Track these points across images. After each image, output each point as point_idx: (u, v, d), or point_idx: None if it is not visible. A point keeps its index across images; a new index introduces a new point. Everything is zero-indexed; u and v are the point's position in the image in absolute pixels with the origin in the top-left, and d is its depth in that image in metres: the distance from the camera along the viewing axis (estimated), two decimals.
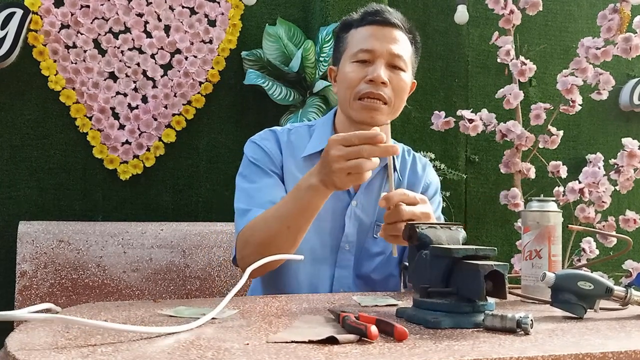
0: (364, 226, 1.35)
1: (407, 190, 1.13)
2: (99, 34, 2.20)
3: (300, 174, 1.32)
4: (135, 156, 2.23)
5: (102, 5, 2.20)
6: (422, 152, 2.29)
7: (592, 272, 1.15)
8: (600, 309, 0.95)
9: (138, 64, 2.23)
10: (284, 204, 1.18)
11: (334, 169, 1.03)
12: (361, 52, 1.29)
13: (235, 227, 1.30)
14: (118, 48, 2.22)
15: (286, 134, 1.39)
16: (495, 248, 0.84)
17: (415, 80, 1.39)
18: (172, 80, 2.27)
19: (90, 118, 2.19)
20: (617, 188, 2.32)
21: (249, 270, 1.02)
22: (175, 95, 2.27)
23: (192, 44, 2.29)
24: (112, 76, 2.22)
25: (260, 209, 1.24)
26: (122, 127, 2.22)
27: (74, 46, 2.18)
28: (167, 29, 2.27)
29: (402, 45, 1.31)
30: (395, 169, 1.40)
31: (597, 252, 2.37)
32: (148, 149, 2.24)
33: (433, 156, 2.43)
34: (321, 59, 2.27)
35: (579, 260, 2.36)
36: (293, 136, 1.38)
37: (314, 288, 1.32)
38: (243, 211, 1.27)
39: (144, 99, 2.24)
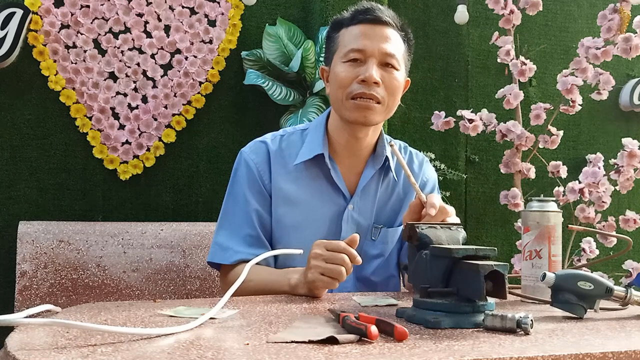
0: (361, 229, 1.35)
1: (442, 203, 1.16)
2: (99, 34, 2.20)
3: (290, 184, 1.32)
4: (135, 156, 2.23)
5: (102, 5, 2.20)
6: (422, 152, 2.29)
7: (592, 272, 1.15)
8: (600, 309, 0.95)
9: (138, 64, 2.23)
10: (268, 278, 1.21)
11: (311, 264, 1.08)
12: (352, 51, 1.27)
13: (211, 253, 1.33)
14: (118, 48, 2.21)
15: (278, 141, 1.38)
16: (495, 248, 0.84)
17: (409, 78, 1.38)
18: (172, 80, 2.26)
19: (90, 118, 2.19)
20: (617, 188, 2.32)
21: (248, 265, 1.02)
22: (175, 95, 2.27)
23: (192, 44, 2.29)
24: (112, 76, 2.22)
25: (239, 248, 1.28)
26: (122, 127, 2.22)
27: (74, 46, 2.18)
28: (167, 29, 2.27)
29: (394, 44, 1.29)
30: (390, 169, 1.39)
31: (597, 252, 2.37)
32: (148, 149, 2.24)
33: (433, 156, 2.43)
34: (321, 59, 2.27)
35: (579, 260, 2.36)
36: (285, 143, 1.37)
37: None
38: (223, 248, 1.31)
39: (144, 99, 2.24)
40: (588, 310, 0.92)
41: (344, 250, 1.07)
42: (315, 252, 1.08)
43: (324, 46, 2.26)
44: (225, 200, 1.37)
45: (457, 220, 1.16)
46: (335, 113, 1.34)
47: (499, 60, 2.38)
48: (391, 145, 1.24)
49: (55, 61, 2.15)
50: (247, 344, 0.68)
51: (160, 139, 2.26)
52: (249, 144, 1.39)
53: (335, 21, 1.36)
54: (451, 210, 1.15)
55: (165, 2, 2.25)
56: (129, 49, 2.23)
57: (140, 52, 2.24)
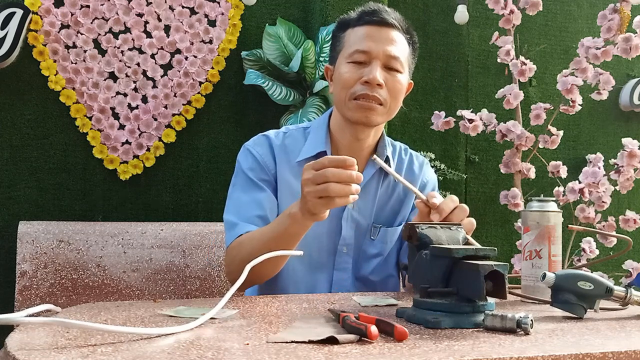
0: (361, 228, 1.35)
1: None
2: (99, 34, 2.20)
3: (294, 179, 1.32)
4: (135, 156, 2.23)
5: (102, 5, 2.20)
6: (422, 152, 2.29)
7: (592, 272, 1.15)
8: (600, 309, 0.95)
9: (138, 64, 2.23)
10: (270, 227, 1.19)
11: (304, 192, 1.04)
12: (357, 52, 1.27)
13: (225, 239, 1.32)
14: (118, 48, 2.22)
15: (281, 137, 1.38)
16: (495, 248, 0.84)
17: (412, 81, 1.38)
18: (172, 80, 2.26)
19: (90, 118, 2.19)
20: (617, 188, 2.32)
21: (248, 266, 1.02)
22: (175, 95, 2.27)
23: (192, 44, 2.29)
24: (112, 76, 2.22)
25: (247, 224, 1.25)
26: (122, 127, 2.22)
27: (74, 46, 2.18)
28: (167, 29, 2.27)
29: (399, 46, 1.29)
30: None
31: (597, 252, 2.37)
32: (148, 149, 2.24)
33: (433, 156, 2.43)
34: (321, 59, 2.27)
35: (579, 260, 2.36)
36: (288, 140, 1.37)
37: (312, 292, 1.32)
38: (231, 224, 1.28)
39: (144, 99, 2.24)
40: (588, 310, 0.91)
41: (328, 164, 1.02)
42: (305, 179, 1.04)
43: (324, 46, 2.28)
44: (230, 191, 1.35)
45: (467, 210, 1.14)
46: (338, 112, 1.34)
47: (499, 60, 2.38)
48: (373, 159, 1.18)
49: (55, 61, 2.15)
50: (247, 344, 0.68)
51: (160, 139, 2.26)
52: (252, 139, 1.39)
53: (341, 21, 1.36)
54: (455, 198, 1.14)
55: (165, 2, 2.26)
56: (129, 49, 2.23)
57: (140, 52, 2.24)
